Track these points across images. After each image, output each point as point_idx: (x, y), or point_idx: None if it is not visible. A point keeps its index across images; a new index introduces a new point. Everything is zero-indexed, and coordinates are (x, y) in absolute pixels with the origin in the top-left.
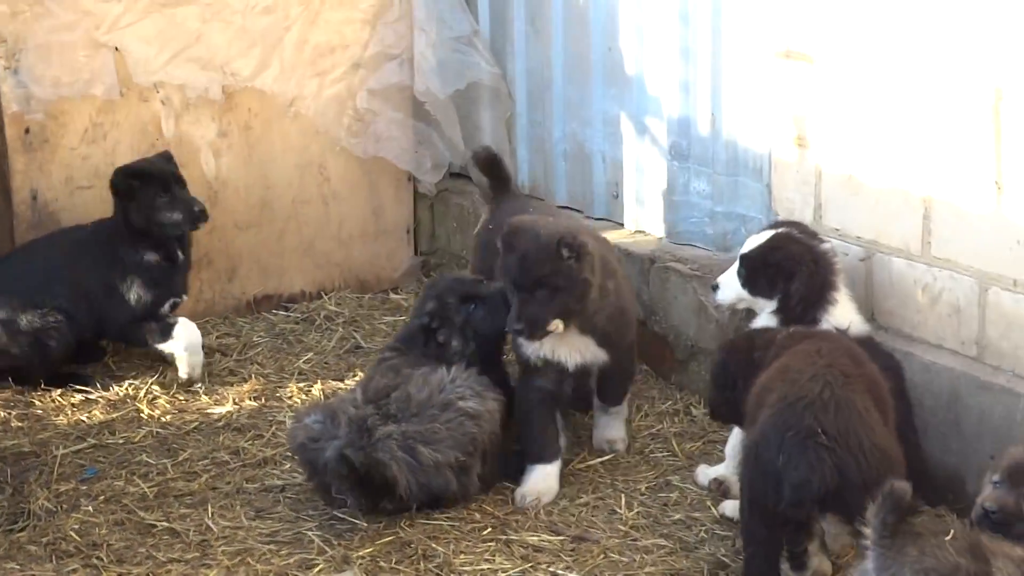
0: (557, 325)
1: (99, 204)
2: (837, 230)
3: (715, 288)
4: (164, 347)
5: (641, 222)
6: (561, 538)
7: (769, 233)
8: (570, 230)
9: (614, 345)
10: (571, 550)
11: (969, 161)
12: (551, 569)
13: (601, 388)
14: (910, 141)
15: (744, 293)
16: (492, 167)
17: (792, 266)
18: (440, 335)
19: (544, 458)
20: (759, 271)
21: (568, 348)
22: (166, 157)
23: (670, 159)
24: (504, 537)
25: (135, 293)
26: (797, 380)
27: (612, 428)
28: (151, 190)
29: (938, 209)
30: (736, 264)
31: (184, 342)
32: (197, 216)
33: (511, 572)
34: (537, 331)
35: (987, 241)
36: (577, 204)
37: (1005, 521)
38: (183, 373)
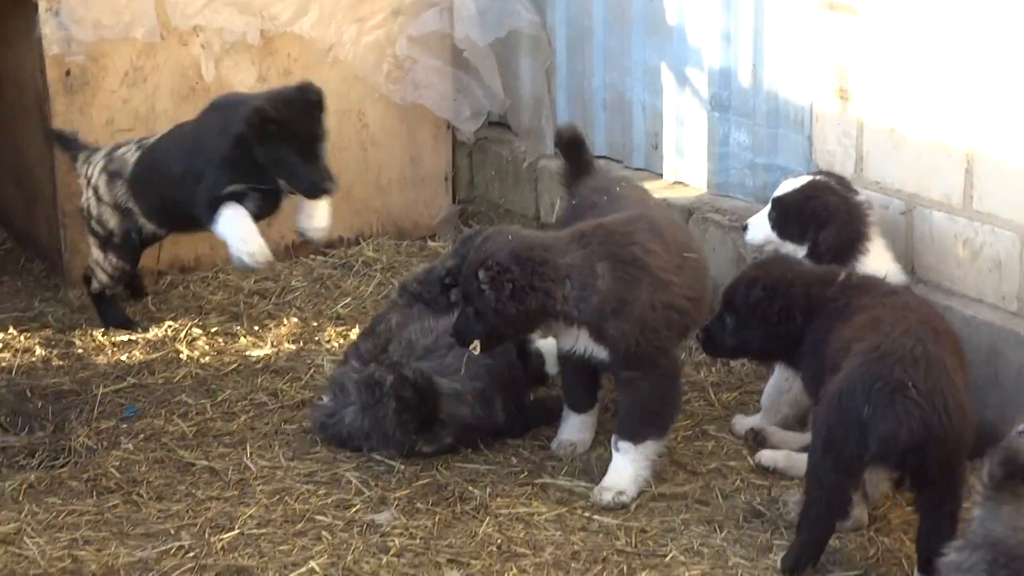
0: (476, 346)
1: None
2: (878, 183)
3: (745, 228)
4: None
5: (680, 173)
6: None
7: (804, 179)
8: (513, 249)
9: (632, 363)
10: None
11: (1013, 115)
12: (586, 514)
13: (618, 412)
14: (953, 94)
15: (773, 236)
16: (574, 145)
17: (825, 215)
18: (452, 294)
19: (580, 407)
20: (791, 216)
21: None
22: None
23: (710, 110)
24: (540, 481)
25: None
26: (889, 333)
27: (612, 474)
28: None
29: (980, 163)
30: (768, 206)
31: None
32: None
33: (547, 516)
34: (463, 344)
35: None
36: (616, 154)
37: None
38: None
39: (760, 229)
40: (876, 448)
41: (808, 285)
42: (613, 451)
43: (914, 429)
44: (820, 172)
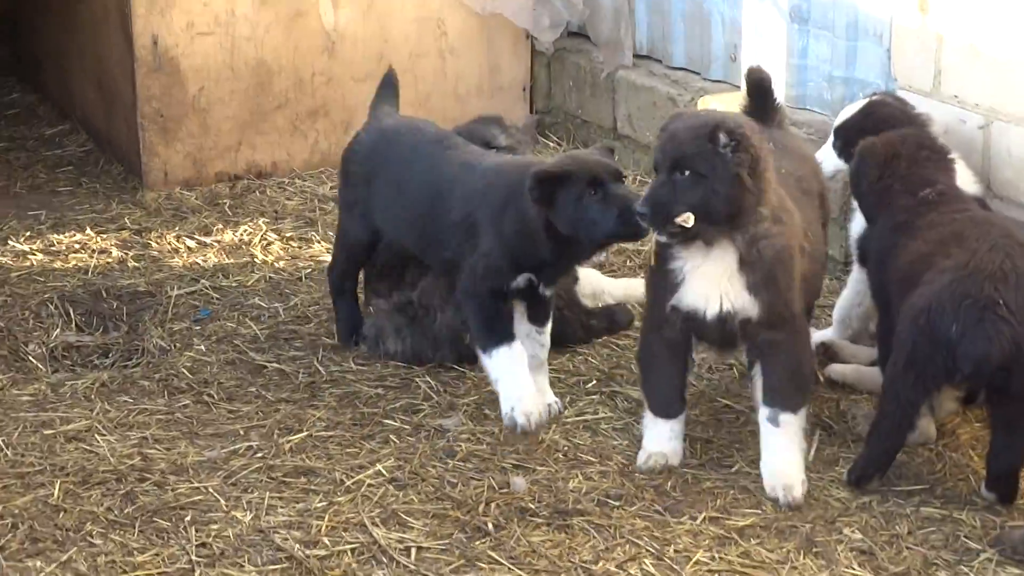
0: (688, 218)
1: (219, 51)
2: (956, 97)
3: None
4: None
5: None
6: None
7: (860, 103)
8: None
9: (770, 301)
10: None
11: None
12: None
13: (765, 383)
14: None
15: (841, 163)
16: (759, 91)
17: (886, 127)
18: None
19: (669, 411)
20: (854, 139)
21: (709, 286)
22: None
23: (790, 22)
24: (608, 390)
25: None
26: (976, 249)
27: (778, 462)
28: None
29: None
30: (831, 137)
31: None
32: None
33: (615, 423)
34: (660, 217)
35: None
36: (695, 66)
37: None
38: None
39: (828, 160)
40: (967, 367)
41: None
42: (767, 428)
43: (1005, 348)
44: (876, 94)
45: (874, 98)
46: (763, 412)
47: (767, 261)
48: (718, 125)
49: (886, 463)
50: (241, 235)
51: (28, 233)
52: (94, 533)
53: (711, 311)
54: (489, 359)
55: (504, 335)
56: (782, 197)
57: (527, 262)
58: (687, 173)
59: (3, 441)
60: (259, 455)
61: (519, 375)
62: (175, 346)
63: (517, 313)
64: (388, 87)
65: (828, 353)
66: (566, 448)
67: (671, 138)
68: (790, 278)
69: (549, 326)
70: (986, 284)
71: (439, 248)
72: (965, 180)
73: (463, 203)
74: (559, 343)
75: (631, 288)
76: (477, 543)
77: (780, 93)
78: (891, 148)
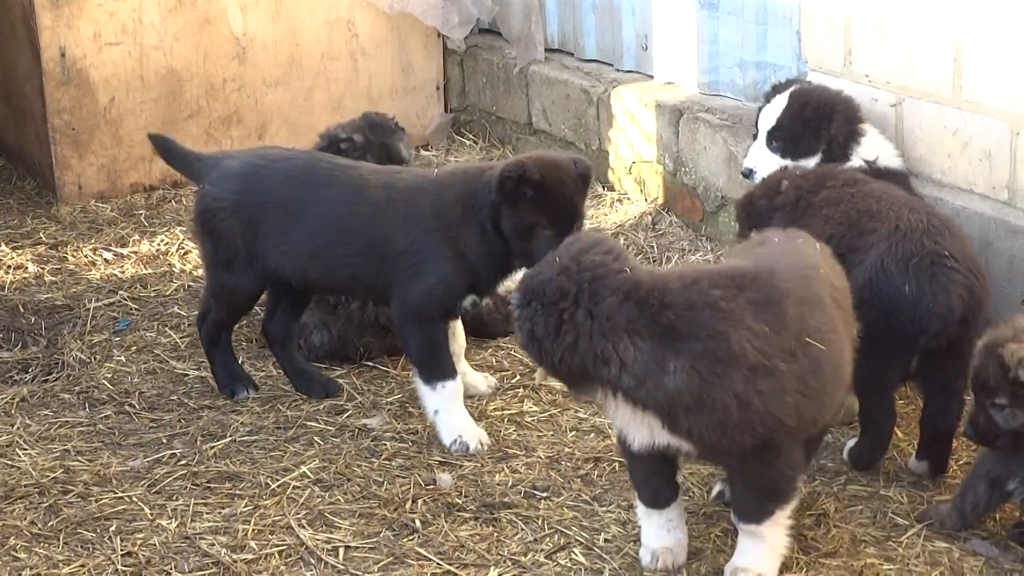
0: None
1: (128, 61)
2: (867, 76)
3: (750, 174)
4: None
5: (671, 73)
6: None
7: (782, 99)
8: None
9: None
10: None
11: (1000, 2)
12: (578, 414)
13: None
14: None
15: (786, 161)
16: None
17: (828, 110)
18: None
19: (658, 501)
20: (798, 133)
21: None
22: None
23: (699, 8)
24: (532, 383)
25: None
26: (898, 215)
27: (745, 553)
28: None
29: (969, 53)
30: (762, 141)
31: None
32: None
33: (539, 416)
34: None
35: (1019, 84)
36: (607, 58)
37: None
38: None
39: (767, 164)
40: (933, 325)
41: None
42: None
43: (963, 296)
44: (779, 85)
45: (792, 90)
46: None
47: (657, 408)
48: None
49: (885, 444)
50: (158, 245)
51: None
52: (18, 547)
53: (638, 443)
54: (432, 391)
55: (448, 370)
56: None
57: (482, 277)
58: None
59: None
60: (183, 462)
61: (458, 409)
62: (95, 358)
63: None
64: (171, 144)
65: None
66: (492, 442)
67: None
68: (713, 413)
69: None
70: (926, 240)
71: (367, 275)
72: (886, 155)
73: (405, 228)
74: (481, 335)
75: None
76: (405, 540)
77: (692, 80)
78: None
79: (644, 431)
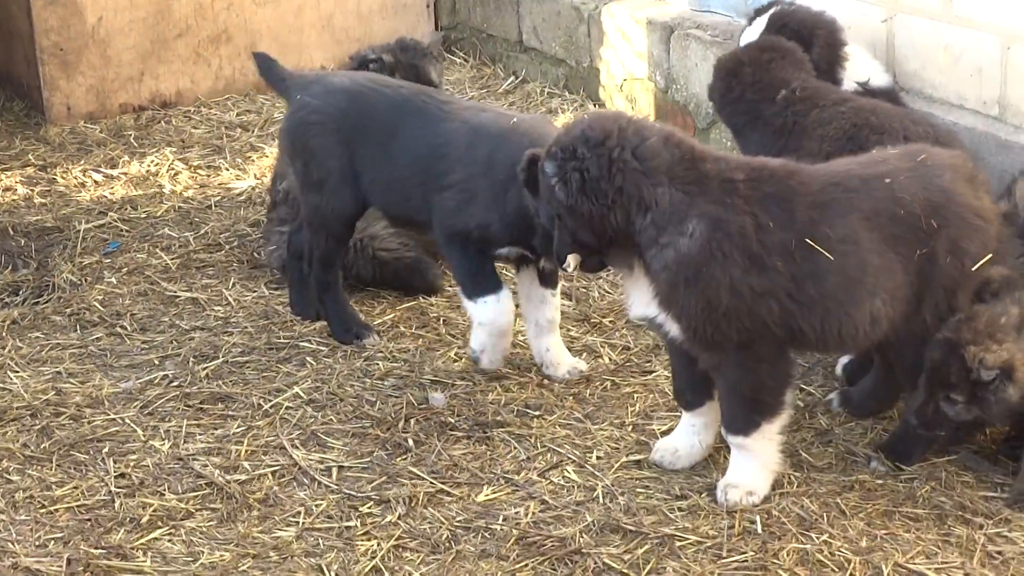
0: (570, 262)
1: None
2: None
3: None
4: None
5: None
6: (575, 304)
7: (761, 21)
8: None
9: (680, 316)
10: (584, 319)
11: None
12: (571, 332)
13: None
14: None
15: None
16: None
17: (808, 34)
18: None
19: (683, 402)
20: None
21: (637, 296)
22: None
23: None
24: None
25: None
26: (902, 124)
27: (735, 469)
28: None
29: None
30: None
31: None
32: None
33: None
34: (561, 262)
35: None
36: None
37: None
38: None
39: None
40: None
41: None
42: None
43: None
44: (759, 8)
45: (771, 12)
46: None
47: (661, 271)
48: (538, 155)
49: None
50: (148, 166)
51: None
52: (11, 469)
53: (634, 311)
54: (474, 305)
55: (491, 284)
56: (696, 194)
57: (525, 237)
58: (558, 216)
59: None
60: (175, 384)
61: (501, 327)
62: (86, 280)
63: (527, 278)
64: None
65: None
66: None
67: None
68: (707, 294)
69: (559, 289)
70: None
71: (423, 202)
72: (872, 72)
73: (463, 164)
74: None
75: None
76: (398, 459)
77: None
78: (734, 59)
79: (643, 298)
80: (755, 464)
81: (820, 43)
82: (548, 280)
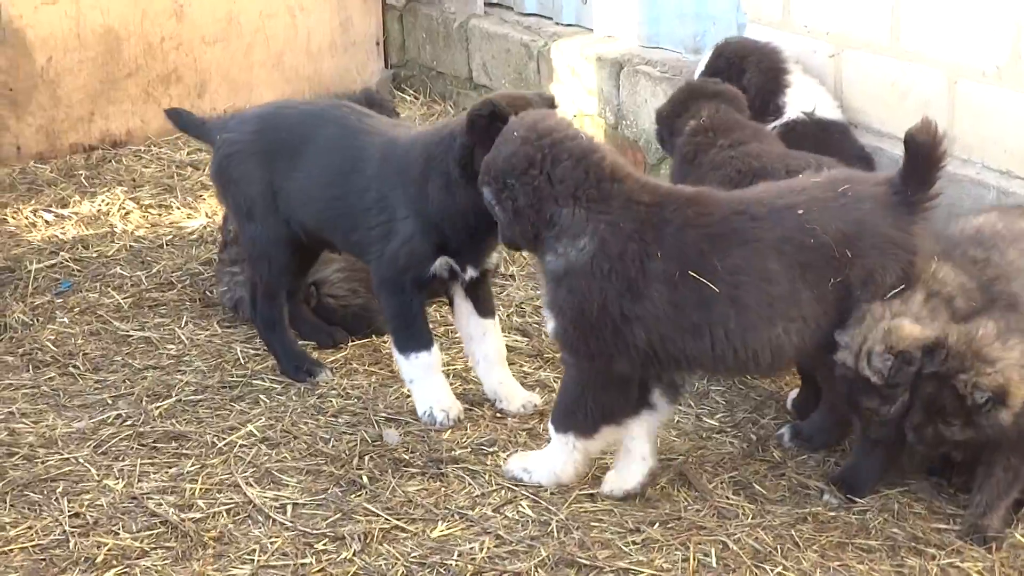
0: None
1: (65, 20)
2: (806, 27)
3: None
4: None
5: (611, 26)
6: (528, 340)
7: (707, 52)
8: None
9: (553, 316)
10: (537, 355)
11: None
12: (524, 368)
13: None
14: None
15: None
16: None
17: (739, 60)
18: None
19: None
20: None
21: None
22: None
23: None
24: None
25: None
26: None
27: (538, 453)
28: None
29: (906, 2)
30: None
31: None
32: None
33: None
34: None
35: (956, 33)
36: (546, 11)
37: None
38: None
39: None
40: None
41: None
42: None
43: None
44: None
45: (719, 42)
46: None
47: (551, 275)
48: (487, 166)
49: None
50: (99, 205)
51: None
52: None
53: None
54: (406, 361)
55: (423, 340)
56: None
57: (450, 237)
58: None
59: None
60: (128, 423)
61: (435, 379)
62: (38, 320)
63: (465, 313)
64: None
65: None
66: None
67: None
68: (580, 306)
69: (497, 318)
70: None
71: (345, 225)
72: (824, 106)
73: (378, 180)
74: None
75: None
76: (352, 496)
77: (632, 33)
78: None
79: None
80: (544, 455)
81: (752, 69)
82: (485, 310)
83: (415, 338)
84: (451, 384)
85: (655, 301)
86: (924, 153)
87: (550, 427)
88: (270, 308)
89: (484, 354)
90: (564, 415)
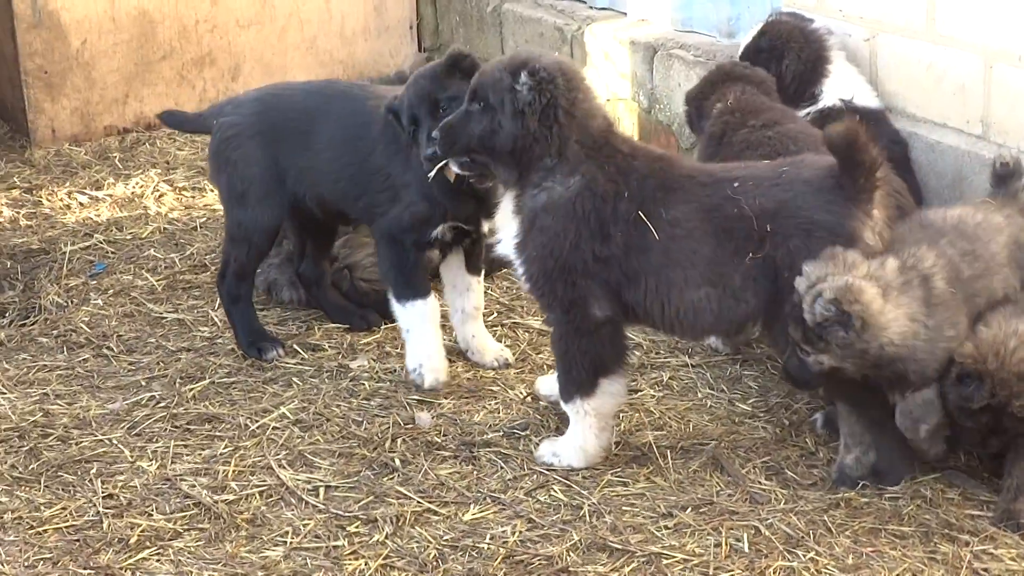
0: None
1: (100, 3)
2: (841, 11)
3: None
4: None
5: (644, 10)
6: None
7: (753, 30)
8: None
9: (527, 258)
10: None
11: None
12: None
13: None
14: None
15: None
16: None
17: (781, 45)
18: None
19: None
20: (753, 61)
21: (503, 227)
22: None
23: None
24: (509, 322)
25: None
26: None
27: (562, 437)
28: None
29: None
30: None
31: None
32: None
33: (517, 354)
34: (447, 144)
35: (992, 16)
36: None
37: None
38: None
39: None
40: None
41: None
42: None
43: None
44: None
45: (770, 19)
46: None
47: (528, 212)
48: (525, 63)
49: None
50: (133, 188)
51: None
52: None
53: (502, 251)
54: (402, 309)
55: (420, 288)
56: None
57: (441, 203)
58: (481, 104)
59: None
60: (162, 404)
61: (429, 332)
62: (72, 302)
63: (454, 265)
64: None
65: None
66: (470, 382)
67: (481, 71)
68: (551, 245)
69: (482, 276)
70: None
71: (359, 196)
72: (862, 93)
73: (384, 145)
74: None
75: None
76: (385, 479)
77: (666, 17)
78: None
79: (507, 239)
80: (572, 440)
81: (792, 56)
82: (473, 267)
83: (412, 286)
84: (483, 369)
85: (616, 242)
86: (847, 158)
87: (562, 404)
88: (237, 286)
89: (462, 307)
90: (565, 381)
